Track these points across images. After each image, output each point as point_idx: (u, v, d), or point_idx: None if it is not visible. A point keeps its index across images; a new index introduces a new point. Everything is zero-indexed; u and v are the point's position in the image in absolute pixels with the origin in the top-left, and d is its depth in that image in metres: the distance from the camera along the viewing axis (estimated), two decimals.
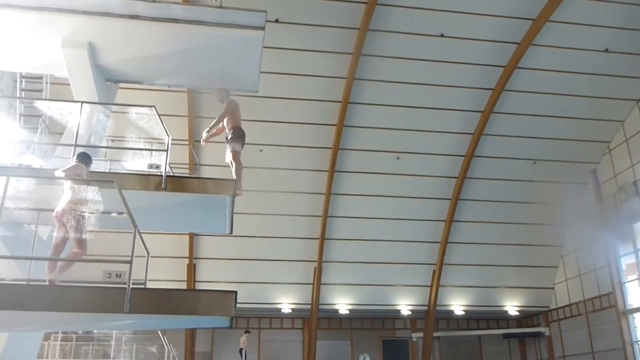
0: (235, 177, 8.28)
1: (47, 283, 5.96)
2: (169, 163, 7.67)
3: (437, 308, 25.44)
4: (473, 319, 27.78)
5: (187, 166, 21.59)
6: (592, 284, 23.66)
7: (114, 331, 17.24)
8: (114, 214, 7.11)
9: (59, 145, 8.94)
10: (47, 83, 12.44)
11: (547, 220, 23.89)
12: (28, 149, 10.72)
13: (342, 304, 25.09)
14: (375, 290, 24.90)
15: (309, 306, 24.72)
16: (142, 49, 9.06)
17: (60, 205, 6.14)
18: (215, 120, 9.09)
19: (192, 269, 23.67)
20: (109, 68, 9.37)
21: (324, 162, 22.71)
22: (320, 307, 24.73)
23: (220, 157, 8.78)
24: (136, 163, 8.77)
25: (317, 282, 24.32)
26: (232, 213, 8.15)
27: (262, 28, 8.70)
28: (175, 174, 9.23)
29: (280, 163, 22.51)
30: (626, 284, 22.29)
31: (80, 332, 18.22)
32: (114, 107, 9.49)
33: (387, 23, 19.40)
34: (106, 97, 9.51)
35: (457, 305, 25.86)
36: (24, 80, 12.71)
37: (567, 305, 25.28)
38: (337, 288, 24.85)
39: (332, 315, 25.94)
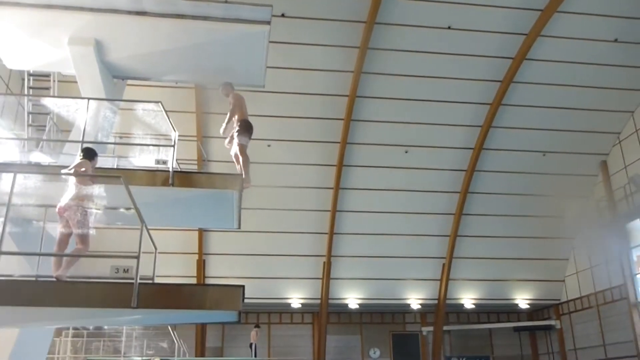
0: (241, 172, 8.27)
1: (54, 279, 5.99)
2: (177, 159, 7.68)
3: (447, 302, 25.39)
4: (483, 312, 27.70)
5: (196, 162, 21.66)
6: (603, 277, 23.51)
7: (124, 327, 17.33)
8: (122, 210, 7.13)
9: (67, 142, 8.96)
10: (54, 81, 12.45)
11: (557, 213, 23.76)
12: (37, 147, 10.78)
13: (352, 299, 25.10)
14: (384, 285, 24.88)
15: (319, 301, 24.76)
16: (149, 45, 9.05)
17: (64, 200, 6.15)
18: (227, 117, 9.07)
19: (201, 265, 23.77)
20: (116, 65, 9.37)
21: (332, 156, 22.69)
22: (330, 301, 24.76)
23: (229, 153, 8.76)
24: (144, 159, 8.79)
25: (327, 277, 24.34)
26: (240, 208, 8.14)
27: (268, 23, 8.66)
28: (183, 170, 9.25)
29: (289, 158, 22.51)
30: (637, 276, 22.12)
31: (91, 328, 18.36)
32: (122, 104, 9.52)
33: (393, 16, 19.31)
34: (114, 94, 9.51)
35: (467, 298, 25.79)
36: (31, 78, 12.75)
37: (578, 298, 25.15)
38: (347, 282, 24.85)
39: (342, 310, 25.96)
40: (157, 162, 7.98)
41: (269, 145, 21.83)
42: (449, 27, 19.79)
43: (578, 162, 23.72)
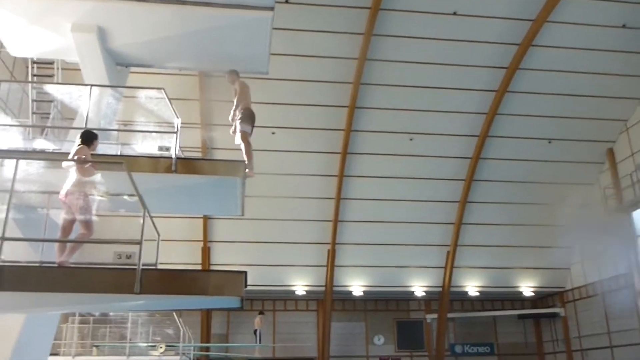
0: (245, 159, 8.25)
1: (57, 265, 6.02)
2: (181, 146, 7.66)
3: (452, 289, 25.43)
4: (488, 300, 27.73)
5: (200, 150, 21.67)
6: (608, 265, 23.45)
7: (130, 314, 17.44)
8: (125, 197, 7.14)
9: (71, 129, 8.97)
10: (58, 68, 12.47)
11: (561, 201, 23.63)
12: (41, 134, 10.80)
13: (356, 286, 25.17)
14: (389, 272, 24.92)
15: (323, 288, 24.85)
16: (151, 32, 9.02)
17: (66, 187, 6.17)
18: (234, 106, 9.04)
19: (206, 252, 23.87)
20: (119, 52, 9.35)
21: (337, 144, 22.65)
22: (335, 289, 24.84)
23: (233, 140, 8.75)
24: (147, 146, 8.79)
25: (331, 264, 24.40)
26: (243, 195, 8.13)
27: (272, 9, 8.61)
28: (186, 157, 9.24)
29: (293, 145, 22.49)
30: None
31: (97, 314, 18.48)
32: (125, 91, 9.52)
33: (398, 2, 19.18)
34: (117, 81, 9.50)
35: (472, 286, 25.82)
36: (35, 65, 12.77)
37: (583, 286, 25.12)
38: (351, 270, 24.91)
39: (347, 297, 26.05)
40: (161, 149, 7.97)
41: (273, 133, 21.80)
42: (455, 13, 19.63)
43: (584, 149, 23.59)
